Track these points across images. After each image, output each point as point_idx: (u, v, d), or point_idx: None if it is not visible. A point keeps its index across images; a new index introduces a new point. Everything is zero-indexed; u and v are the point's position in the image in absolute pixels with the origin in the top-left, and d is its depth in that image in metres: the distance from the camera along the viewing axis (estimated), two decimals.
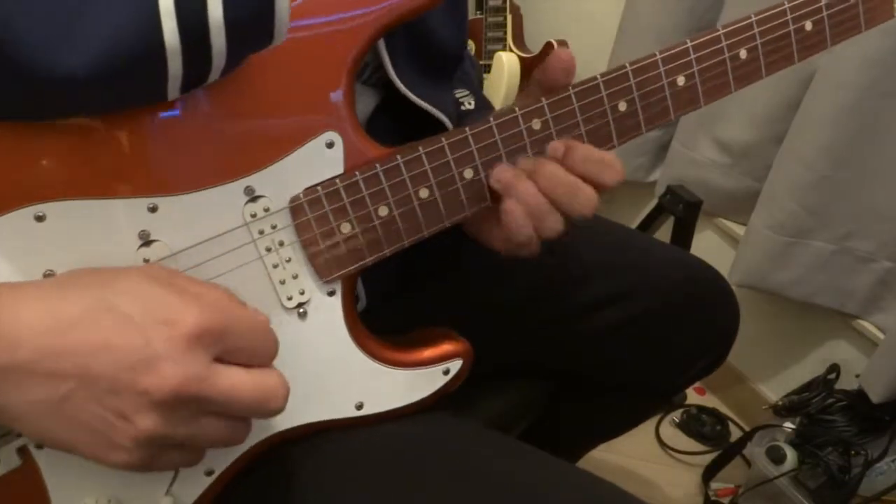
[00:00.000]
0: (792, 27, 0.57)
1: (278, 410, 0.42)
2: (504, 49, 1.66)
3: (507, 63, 1.61)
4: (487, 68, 1.66)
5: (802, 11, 0.57)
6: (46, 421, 0.38)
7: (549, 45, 1.59)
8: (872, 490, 1.15)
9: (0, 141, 0.41)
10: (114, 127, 0.43)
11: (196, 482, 0.50)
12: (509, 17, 1.66)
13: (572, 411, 0.88)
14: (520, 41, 1.69)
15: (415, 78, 0.58)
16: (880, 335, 1.22)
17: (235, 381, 0.40)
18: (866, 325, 1.25)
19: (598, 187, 0.53)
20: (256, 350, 0.42)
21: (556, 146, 0.53)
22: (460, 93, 0.71)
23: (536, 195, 0.52)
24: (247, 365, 0.41)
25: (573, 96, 0.53)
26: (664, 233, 1.31)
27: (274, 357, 0.43)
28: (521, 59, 1.63)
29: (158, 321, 0.38)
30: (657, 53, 0.55)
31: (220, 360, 0.40)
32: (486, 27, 1.66)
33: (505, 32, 1.66)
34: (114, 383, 0.37)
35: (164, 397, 0.37)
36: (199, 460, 0.44)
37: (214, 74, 0.41)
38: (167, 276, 0.41)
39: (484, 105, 0.73)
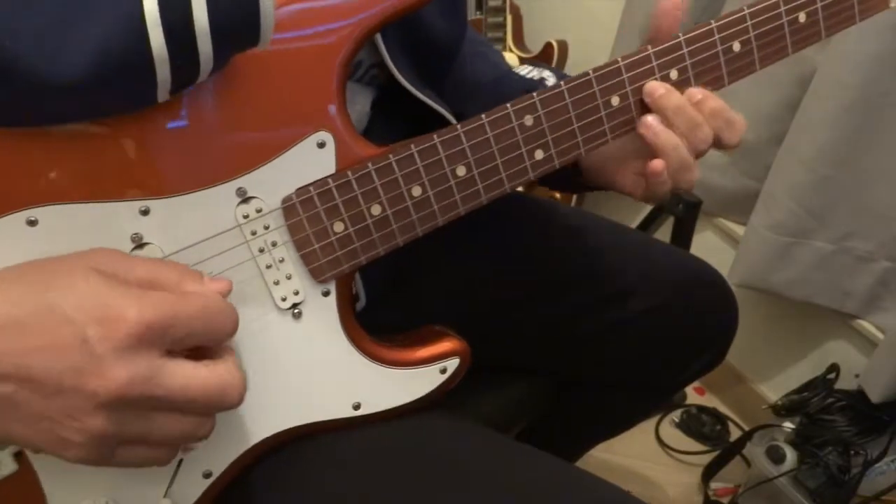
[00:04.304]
0: (785, 19, 0.57)
1: (234, 405, 0.42)
2: (504, 49, 1.66)
3: None
4: None
5: (796, 3, 0.57)
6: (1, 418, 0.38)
7: (549, 46, 1.59)
8: (872, 490, 1.15)
9: None
10: (104, 131, 0.43)
11: (194, 484, 0.50)
12: (509, 18, 1.66)
13: (571, 410, 0.88)
14: (519, 41, 1.69)
15: (412, 72, 0.58)
16: (880, 335, 1.22)
17: (187, 376, 0.39)
18: (866, 325, 1.25)
19: (718, 145, 0.57)
20: (210, 331, 0.41)
21: (694, 92, 0.56)
22: (527, 69, 0.70)
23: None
24: (203, 349, 0.41)
25: (565, 92, 0.53)
26: (664, 233, 1.31)
27: (232, 333, 0.42)
28: (521, 59, 1.63)
29: (98, 320, 0.37)
30: (649, 48, 0.54)
31: (172, 351, 0.39)
32: (485, 27, 1.65)
33: (505, 32, 1.66)
34: (59, 385, 0.37)
35: (111, 398, 0.37)
36: (171, 457, 0.43)
37: (203, 76, 0.41)
38: (113, 267, 0.40)
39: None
